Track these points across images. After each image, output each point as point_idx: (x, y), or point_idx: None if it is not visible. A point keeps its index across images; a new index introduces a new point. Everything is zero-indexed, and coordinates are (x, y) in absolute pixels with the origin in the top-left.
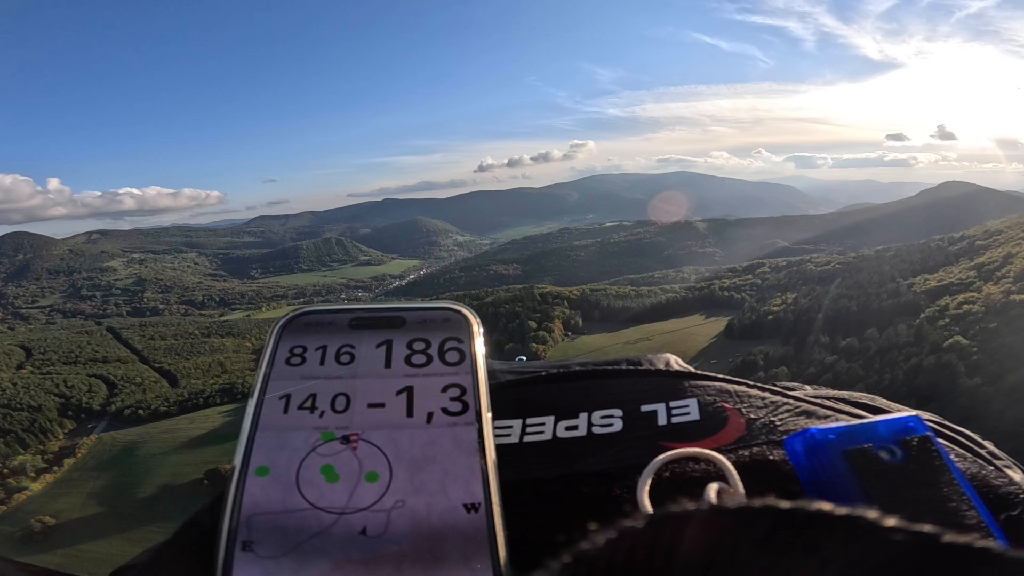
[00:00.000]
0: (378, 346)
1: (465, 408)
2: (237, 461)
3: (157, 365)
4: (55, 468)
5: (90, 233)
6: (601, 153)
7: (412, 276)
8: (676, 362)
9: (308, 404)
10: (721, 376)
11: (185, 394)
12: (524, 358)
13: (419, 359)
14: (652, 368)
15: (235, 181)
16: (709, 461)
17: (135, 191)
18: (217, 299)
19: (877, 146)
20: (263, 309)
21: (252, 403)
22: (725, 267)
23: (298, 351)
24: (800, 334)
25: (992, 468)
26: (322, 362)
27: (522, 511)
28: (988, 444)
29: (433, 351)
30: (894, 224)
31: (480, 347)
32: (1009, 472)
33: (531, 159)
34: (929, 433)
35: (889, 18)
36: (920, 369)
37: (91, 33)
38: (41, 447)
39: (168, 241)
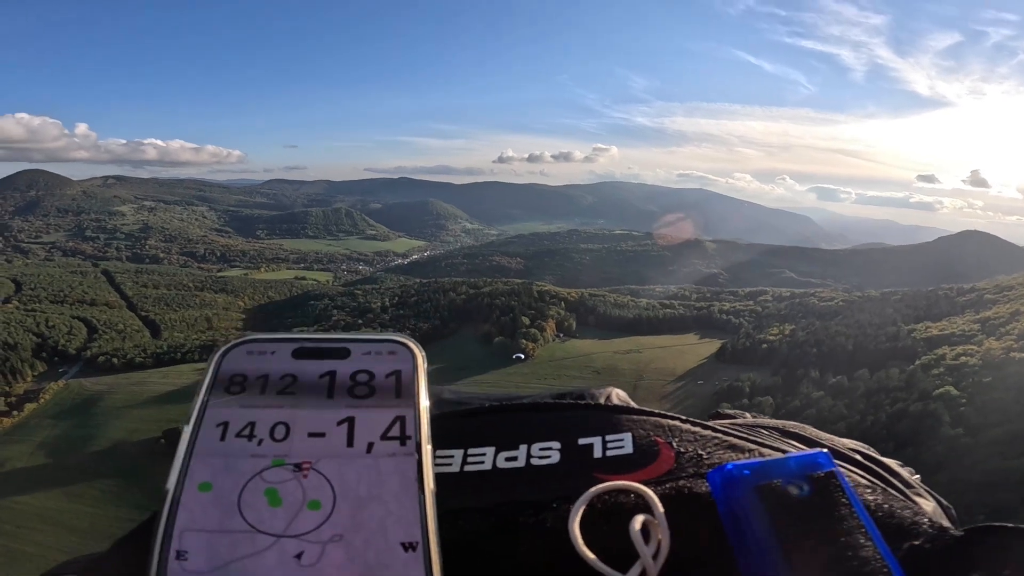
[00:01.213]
0: (321, 376)
1: (406, 440)
2: (170, 485)
3: (144, 314)
4: (15, 412)
5: (106, 178)
6: (622, 160)
7: (415, 256)
8: (618, 396)
9: (246, 432)
10: (658, 411)
11: (164, 347)
12: (522, 356)
13: (362, 390)
14: (592, 403)
15: (257, 143)
16: (638, 493)
17: (159, 142)
18: (218, 254)
19: (905, 186)
20: (262, 270)
21: (188, 429)
22: (727, 290)
23: (238, 379)
24: (791, 366)
25: (902, 499)
26: (263, 391)
27: (459, 540)
28: (905, 472)
29: (377, 383)
30: (906, 268)
31: (423, 380)
32: (920, 501)
33: (551, 156)
34: (834, 468)
35: (949, 55)
36: (904, 414)
37: None
38: (7, 388)
39: (181, 193)
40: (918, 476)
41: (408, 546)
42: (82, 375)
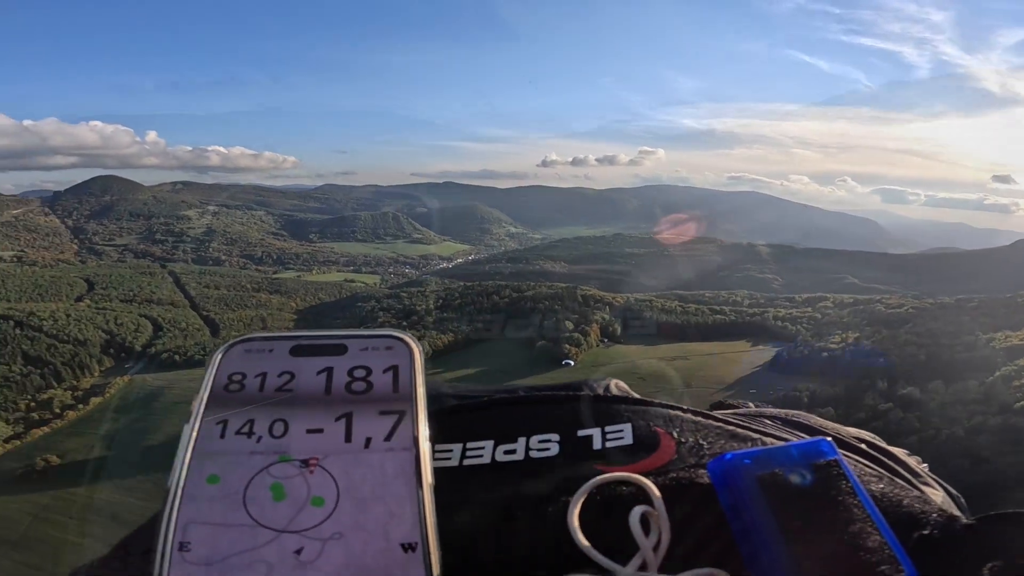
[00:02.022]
0: (318, 373)
1: (404, 434)
2: (172, 482)
3: (205, 313)
4: (80, 406)
5: (174, 183)
6: (669, 163)
7: (459, 260)
8: (617, 387)
9: (246, 430)
10: (658, 401)
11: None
12: (571, 362)
13: (359, 386)
14: (590, 394)
15: (310, 149)
16: (637, 485)
17: (221, 149)
18: (274, 257)
19: (979, 187)
20: (313, 272)
21: (188, 427)
22: (782, 296)
23: (237, 378)
24: (856, 376)
25: (909, 488)
26: (261, 389)
27: (459, 534)
28: (912, 461)
29: (374, 379)
30: (982, 273)
31: (420, 375)
32: (928, 490)
33: (596, 160)
34: (837, 457)
35: (1020, 51)
36: (983, 428)
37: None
38: (75, 382)
39: (242, 198)
40: (926, 465)
41: (408, 547)
42: (146, 371)
